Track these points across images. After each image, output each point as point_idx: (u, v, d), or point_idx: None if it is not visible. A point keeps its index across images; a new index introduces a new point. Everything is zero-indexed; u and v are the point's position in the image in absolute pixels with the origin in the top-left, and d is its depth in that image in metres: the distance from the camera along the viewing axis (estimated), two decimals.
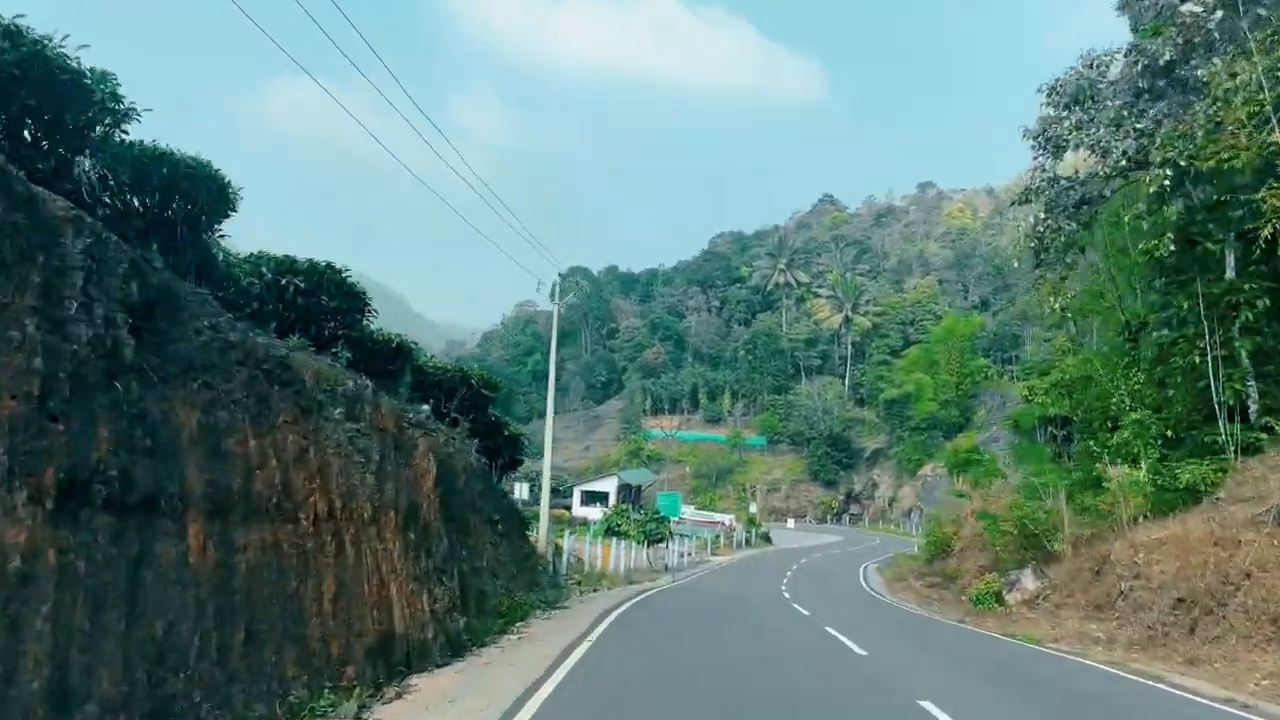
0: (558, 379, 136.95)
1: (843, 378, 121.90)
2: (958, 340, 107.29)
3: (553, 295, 31.72)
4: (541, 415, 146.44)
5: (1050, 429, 37.80)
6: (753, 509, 71.62)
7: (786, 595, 30.34)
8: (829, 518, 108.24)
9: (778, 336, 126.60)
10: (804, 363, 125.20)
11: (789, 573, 40.61)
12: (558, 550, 27.59)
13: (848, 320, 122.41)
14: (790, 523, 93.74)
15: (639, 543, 34.22)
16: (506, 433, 23.29)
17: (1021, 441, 40.91)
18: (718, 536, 58.84)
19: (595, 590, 25.54)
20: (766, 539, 62.57)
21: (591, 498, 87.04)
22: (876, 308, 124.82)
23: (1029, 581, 22.08)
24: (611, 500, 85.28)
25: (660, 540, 33.73)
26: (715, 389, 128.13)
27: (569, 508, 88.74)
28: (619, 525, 33.58)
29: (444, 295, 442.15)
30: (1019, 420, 58.53)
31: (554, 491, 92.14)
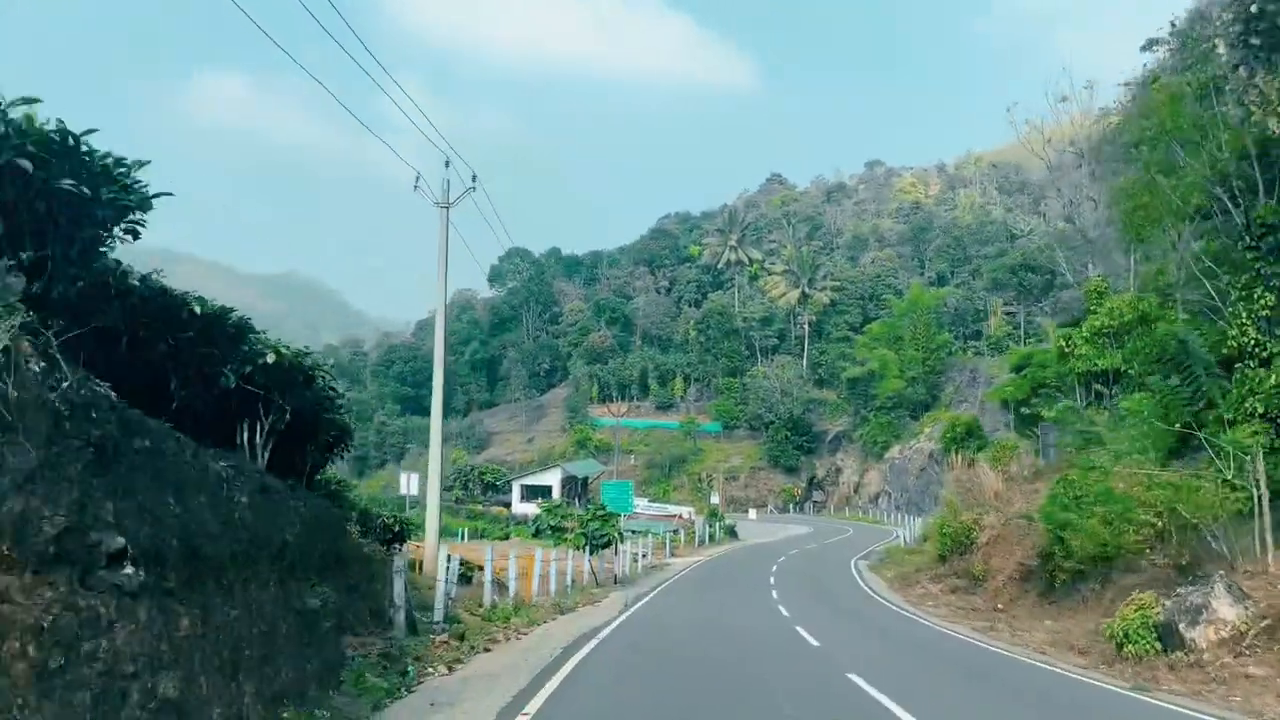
0: (496, 367, 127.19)
1: (801, 357, 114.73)
2: (923, 313, 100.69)
3: (445, 202, 22.16)
4: (484, 407, 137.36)
5: (1095, 386, 30.26)
6: (714, 499, 63.97)
7: (786, 615, 22.32)
8: (791, 506, 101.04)
9: (731, 316, 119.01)
10: (759, 343, 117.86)
11: (772, 577, 32.73)
12: (465, 574, 19.15)
13: (804, 296, 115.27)
14: (751, 513, 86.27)
15: (579, 548, 25.93)
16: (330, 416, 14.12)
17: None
18: (676, 532, 50.87)
19: (497, 639, 16.19)
20: (732, 533, 54.91)
21: (533, 492, 78.60)
22: (834, 282, 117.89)
23: (1224, 606, 13.24)
24: (555, 494, 76.93)
25: (607, 544, 25.62)
26: (666, 373, 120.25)
27: (508, 504, 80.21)
28: (553, 525, 25.23)
29: (382, 292, 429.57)
30: (1011, 390, 51.53)
31: (491, 487, 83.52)
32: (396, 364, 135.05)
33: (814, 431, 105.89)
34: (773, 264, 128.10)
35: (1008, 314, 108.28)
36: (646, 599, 24.12)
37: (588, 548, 26.29)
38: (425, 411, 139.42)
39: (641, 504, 71.57)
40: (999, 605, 26.87)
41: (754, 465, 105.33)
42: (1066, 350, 30.09)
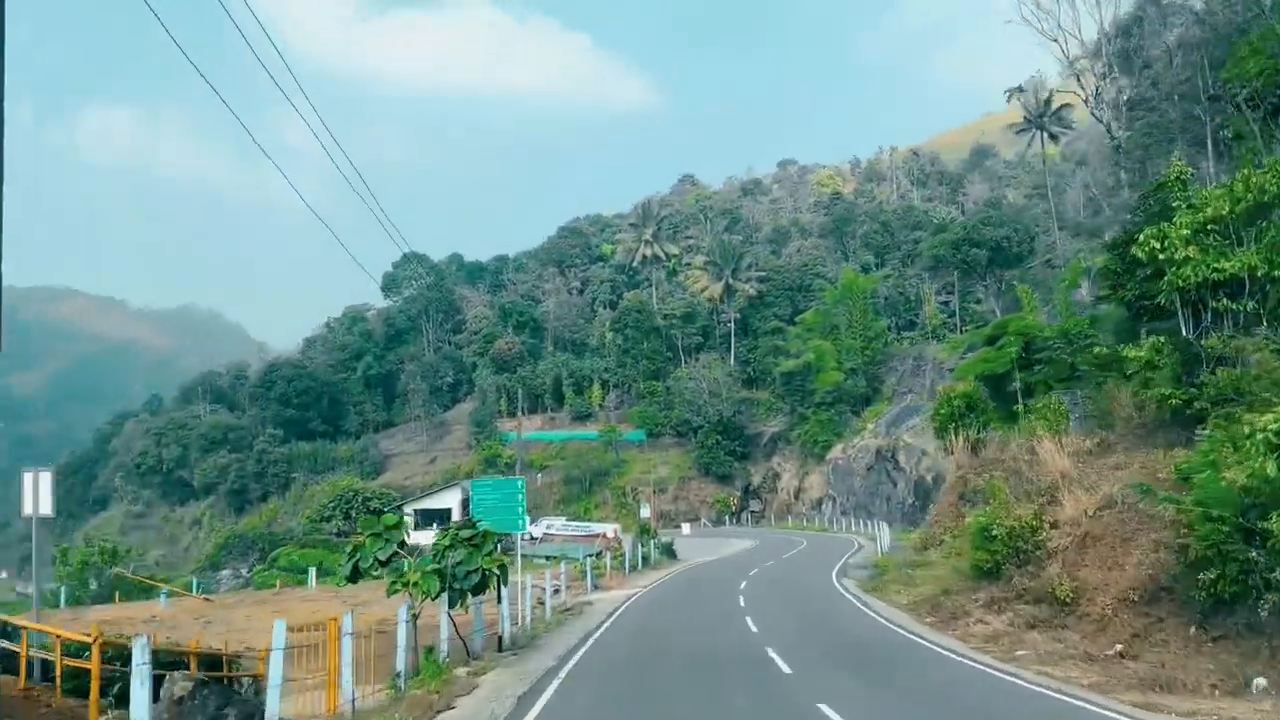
0: (394, 383, 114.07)
1: (728, 355, 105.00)
2: (859, 299, 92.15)
3: None
4: (381, 428, 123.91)
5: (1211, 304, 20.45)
6: (645, 512, 53.24)
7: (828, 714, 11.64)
8: (728, 518, 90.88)
9: (650, 313, 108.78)
10: (682, 342, 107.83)
11: (750, 619, 22.01)
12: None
13: (729, 289, 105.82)
14: (684, 528, 75.73)
15: (434, 596, 14.72)
16: None
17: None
18: (599, 555, 39.87)
19: None
20: (670, 553, 44.09)
21: (429, 518, 66.53)
22: (759, 273, 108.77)
23: None
24: (455, 517, 64.91)
25: (481, 588, 14.75)
26: (582, 380, 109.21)
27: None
28: (382, 559, 14.02)
29: (282, 320, 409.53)
30: (986, 365, 42.42)
31: (378, 515, 71.28)
32: (278, 384, 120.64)
33: (747, 434, 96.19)
34: (692, 258, 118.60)
35: (942, 303, 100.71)
36: (552, 689, 13.18)
37: (447, 594, 15.20)
38: (312, 435, 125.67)
39: (557, 523, 60.46)
40: (1119, 646, 16.74)
41: (683, 475, 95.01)
42: (1161, 255, 20.20)
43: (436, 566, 15.00)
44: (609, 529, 55.30)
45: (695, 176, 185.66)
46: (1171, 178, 22.79)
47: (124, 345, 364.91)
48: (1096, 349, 26.22)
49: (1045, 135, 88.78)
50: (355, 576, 14.97)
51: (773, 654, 16.07)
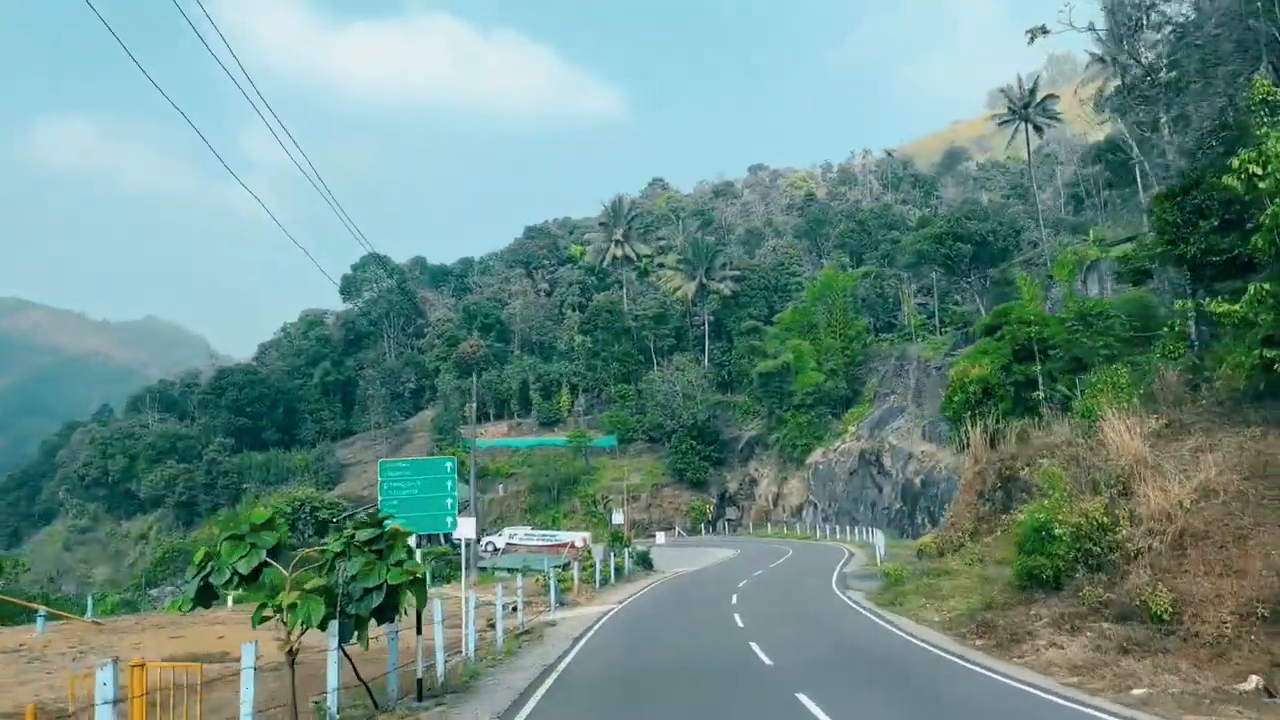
0: (353, 390, 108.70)
1: (703, 356, 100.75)
2: (839, 296, 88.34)
3: None
4: (339, 436, 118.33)
5: None
6: (616, 519, 48.60)
7: None
8: (704, 526, 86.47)
9: (620, 314, 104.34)
10: (655, 344, 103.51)
11: (755, 645, 17.50)
12: None
13: (702, 288, 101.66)
14: (659, 537, 71.21)
15: (319, 625, 10.04)
16: None
17: None
18: (567, 566, 35.33)
19: None
20: (646, 563, 39.50)
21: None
22: (733, 272, 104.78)
23: None
24: None
25: (388, 612, 10.45)
26: (550, 384, 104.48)
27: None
28: (238, 582, 9.72)
29: (249, 334, 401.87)
30: (988, 355, 38.99)
31: (325, 527, 65.92)
32: (229, 392, 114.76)
33: (723, 439, 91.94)
34: (663, 258, 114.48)
35: (920, 304, 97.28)
36: None
37: (337, 621, 10.53)
38: (265, 445, 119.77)
39: (520, 533, 55.72)
40: (1257, 680, 12.52)
41: (656, 482, 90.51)
42: (1262, 183, 16.09)
43: (321, 582, 10.38)
44: (578, 538, 50.67)
45: (665, 181, 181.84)
46: (1256, 99, 18.76)
47: (83, 358, 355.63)
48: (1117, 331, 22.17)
49: (1030, 127, 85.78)
50: (206, 598, 10.33)
51: (807, 702, 11.63)
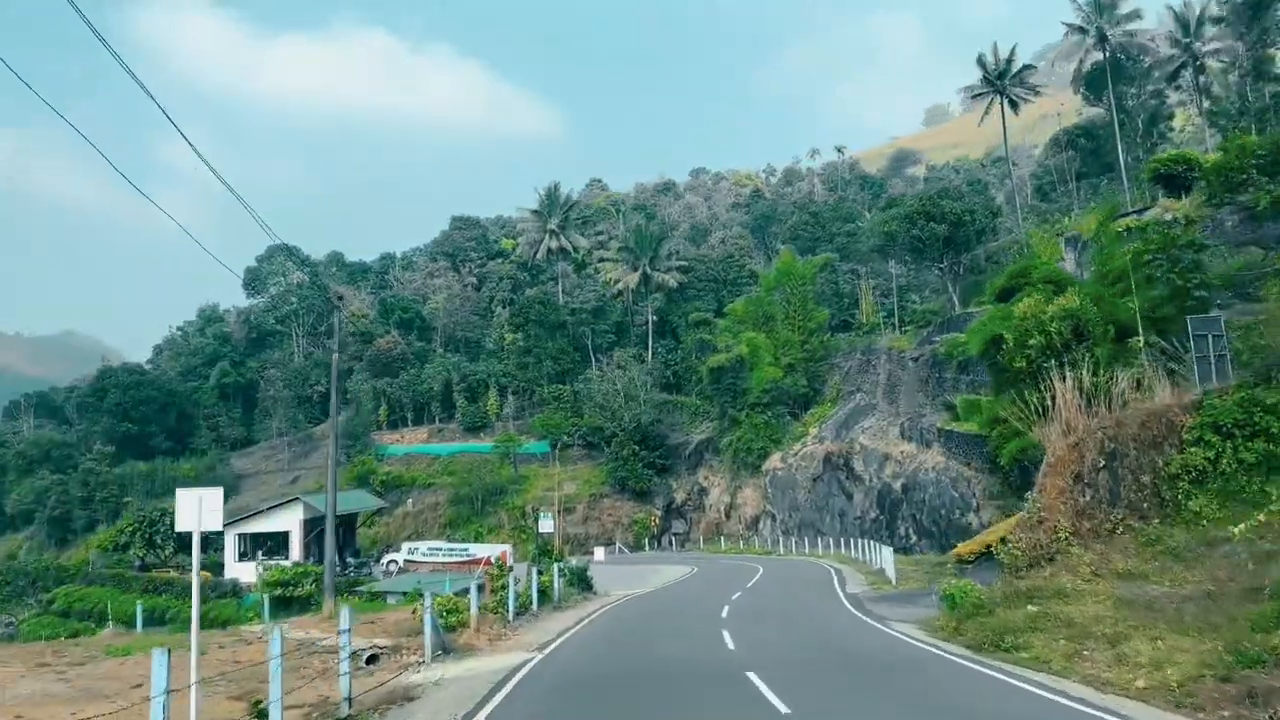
0: (254, 393, 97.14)
1: (645, 356, 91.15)
2: (798, 285, 79.66)
3: None
4: (238, 445, 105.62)
5: None
6: (545, 527, 38.41)
7: None
8: (647, 541, 76.63)
9: (555, 307, 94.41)
10: (593, 341, 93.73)
11: None
12: None
13: (646, 279, 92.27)
14: (598, 553, 61.21)
15: None
16: None
17: None
18: (480, 589, 25.13)
19: None
20: (584, 583, 29.26)
21: (259, 543, 50.35)
22: (680, 262, 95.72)
23: None
24: (295, 543, 49.20)
25: None
26: (476, 385, 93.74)
27: (222, 566, 51.63)
28: None
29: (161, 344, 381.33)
30: (1003, 323, 30.39)
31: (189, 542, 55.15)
32: (113, 393, 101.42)
33: (669, 444, 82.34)
34: (604, 252, 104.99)
35: (877, 301, 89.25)
36: None
37: None
38: (152, 453, 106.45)
39: (423, 547, 45.26)
40: None
41: (594, 492, 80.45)
42: None
43: None
44: (496, 552, 40.47)
45: (605, 182, 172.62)
46: None
47: None
48: None
49: (1005, 101, 78.57)
50: None
51: None
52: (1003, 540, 19.70)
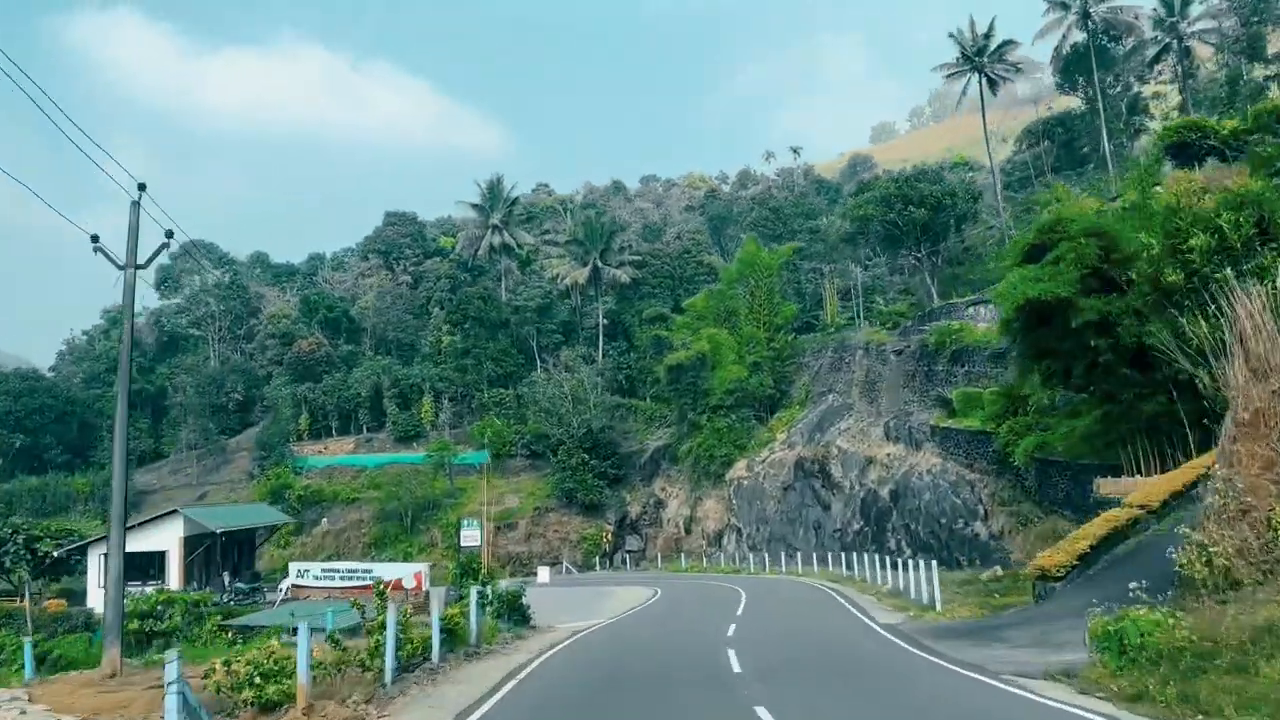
0: (162, 401, 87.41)
1: (595, 357, 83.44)
2: (764, 276, 72.75)
3: None
4: (145, 459, 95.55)
5: None
6: (469, 539, 30.19)
7: None
8: (598, 560, 68.67)
9: (497, 304, 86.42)
10: (538, 341, 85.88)
11: None
12: None
13: (597, 273, 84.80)
14: (542, 574, 52.98)
15: None
16: None
17: None
18: (358, 631, 17.13)
19: None
20: (517, 613, 21.35)
21: (133, 565, 41.16)
22: (634, 256, 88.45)
23: None
24: (173, 564, 40.44)
25: None
26: (409, 390, 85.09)
27: (84, 593, 42.54)
28: None
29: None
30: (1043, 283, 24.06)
31: (50, 564, 45.82)
32: (2, 400, 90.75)
33: (622, 452, 74.62)
34: (552, 242, 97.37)
35: (842, 304, 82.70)
36: None
37: None
38: (45, 467, 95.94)
39: (314, 569, 36.81)
40: None
41: (539, 505, 72.31)
42: None
43: None
44: (412, 572, 32.24)
45: (551, 186, 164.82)
46: None
47: None
48: None
49: (983, 79, 72.84)
50: None
51: None
52: (1197, 548, 12.28)
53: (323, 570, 35.32)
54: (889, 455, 51.37)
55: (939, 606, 20.76)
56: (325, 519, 72.13)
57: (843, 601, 26.47)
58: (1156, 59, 76.36)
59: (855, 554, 50.59)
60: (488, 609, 20.20)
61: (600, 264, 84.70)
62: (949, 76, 74.55)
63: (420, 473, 73.55)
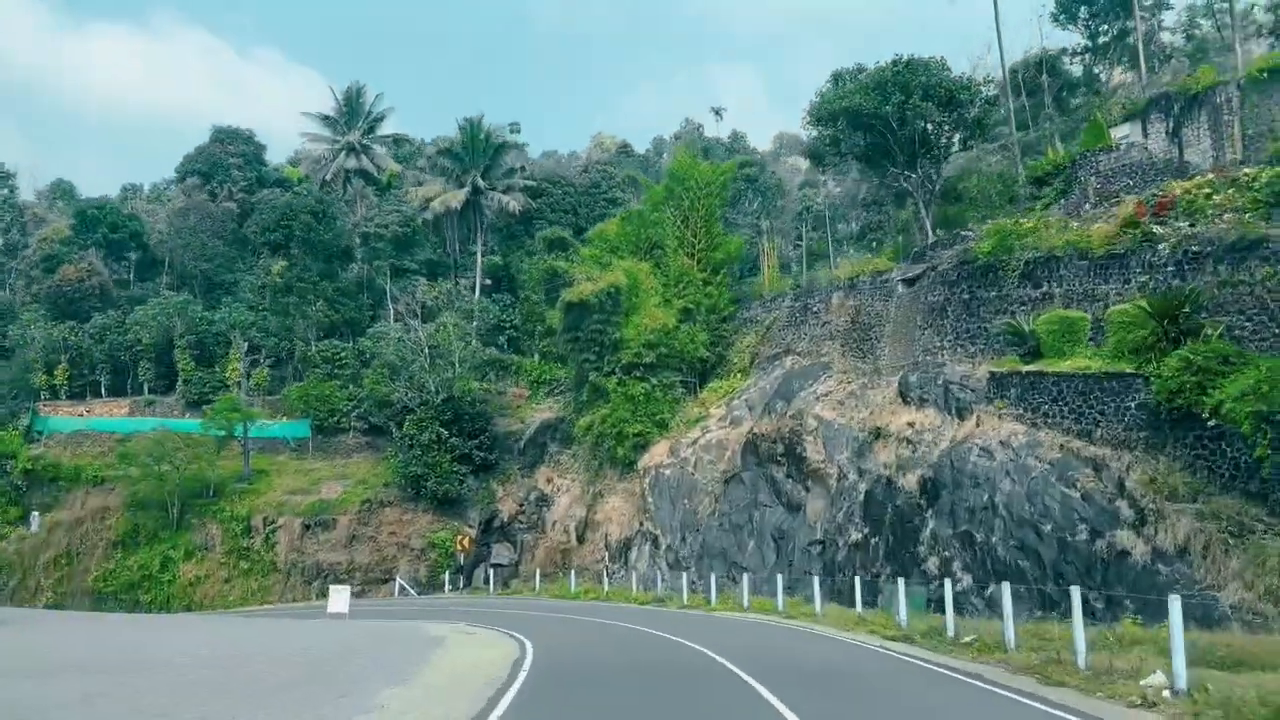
0: None
1: (469, 303, 62.24)
2: (701, 196, 53.29)
3: None
4: None
5: None
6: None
7: None
8: (446, 577, 47.63)
9: (336, 226, 64.89)
10: (393, 284, 64.37)
11: None
12: None
13: (477, 195, 64.01)
14: (338, 596, 31.32)
15: None
16: None
17: None
18: None
19: None
20: None
21: None
22: (528, 182, 67.93)
23: None
24: None
25: None
26: (212, 340, 62.28)
27: None
28: None
29: None
30: None
31: None
32: None
33: (496, 430, 53.96)
34: (422, 164, 76.20)
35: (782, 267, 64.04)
36: None
37: None
38: None
39: None
40: None
41: (371, 497, 50.80)
42: None
43: None
44: None
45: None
46: None
47: None
48: None
49: None
50: None
51: None
52: None
53: None
54: (913, 425, 32.20)
55: None
56: (35, 516, 49.15)
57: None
58: None
59: (836, 580, 31.30)
60: None
61: (481, 183, 63.93)
62: None
63: (198, 445, 51.00)
